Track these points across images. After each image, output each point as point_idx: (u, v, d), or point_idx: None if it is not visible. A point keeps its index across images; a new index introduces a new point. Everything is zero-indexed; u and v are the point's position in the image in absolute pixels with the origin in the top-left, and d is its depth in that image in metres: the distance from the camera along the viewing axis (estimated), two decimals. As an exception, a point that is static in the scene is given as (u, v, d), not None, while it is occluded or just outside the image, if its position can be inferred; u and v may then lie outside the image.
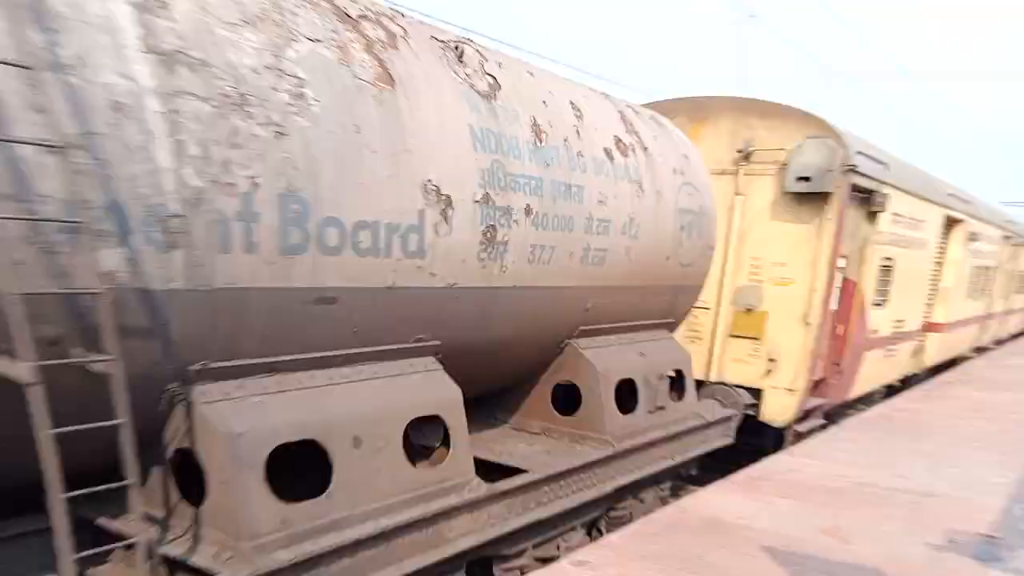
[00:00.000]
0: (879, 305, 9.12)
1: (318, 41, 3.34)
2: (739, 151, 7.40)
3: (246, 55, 3.03)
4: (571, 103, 5.02)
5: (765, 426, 7.69)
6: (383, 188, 3.54)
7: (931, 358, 11.98)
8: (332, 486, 3.32)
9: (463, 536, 3.93)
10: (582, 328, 5.25)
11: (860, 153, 7.49)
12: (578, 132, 4.92)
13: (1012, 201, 24.15)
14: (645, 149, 5.52)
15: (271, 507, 3.07)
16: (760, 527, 5.09)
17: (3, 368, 2.36)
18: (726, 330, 7.74)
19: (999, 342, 17.31)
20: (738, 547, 4.75)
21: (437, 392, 3.97)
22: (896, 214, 8.71)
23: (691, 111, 7.55)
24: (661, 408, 5.77)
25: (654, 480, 5.92)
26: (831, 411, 8.79)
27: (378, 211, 3.53)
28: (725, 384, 7.69)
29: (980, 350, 15.59)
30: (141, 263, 2.71)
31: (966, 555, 4.63)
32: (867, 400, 10.11)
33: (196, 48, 2.87)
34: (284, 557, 3.06)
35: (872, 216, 8.09)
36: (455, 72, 4.09)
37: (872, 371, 9.54)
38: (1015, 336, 19.66)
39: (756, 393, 7.67)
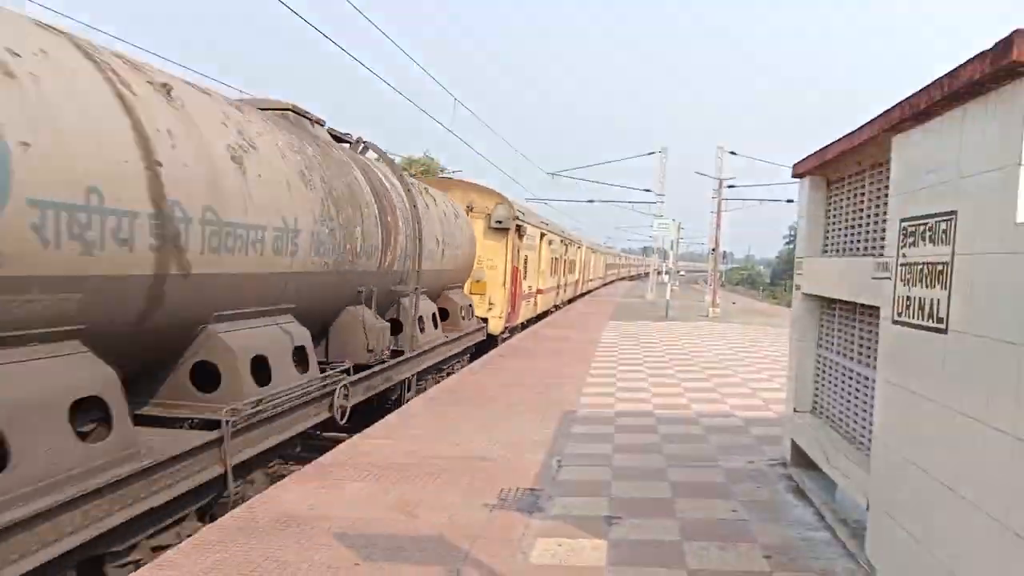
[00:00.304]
0: (525, 279, 17.66)
1: None
2: (467, 206, 14.76)
3: None
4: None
5: (492, 337, 15.35)
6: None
7: (539, 307, 21.05)
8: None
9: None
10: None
11: (519, 210, 16.47)
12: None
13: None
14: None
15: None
16: (335, 515, 4.85)
17: None
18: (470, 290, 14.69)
19: (569, 301, 29.37)
20: (311, 539, 4.43)
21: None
22: (528, 236, 17.66)
23: (441, 185, 14.62)
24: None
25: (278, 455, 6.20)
26: (512, 328, 17.03)
27: None
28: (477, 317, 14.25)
29: (558, 307, 25.91)
30: None
31: (514, 510, 5.06)
32: (517, 329, 17.99)
33: None
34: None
35: (521, 237, 16.42)
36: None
37: (524, 311, 18.22)
38: (571, 300, 30.54)
39: (486, 321, 14.82)
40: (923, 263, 3.31)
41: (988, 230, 2.77)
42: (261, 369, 5.83)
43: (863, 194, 4.83)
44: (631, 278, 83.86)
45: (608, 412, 8.42)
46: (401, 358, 9.06)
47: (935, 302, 3.17)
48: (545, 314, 22.13)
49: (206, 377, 5.40)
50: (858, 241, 4.88)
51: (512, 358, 13.12)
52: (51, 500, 3.60)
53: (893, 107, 3.63)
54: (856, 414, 4.81)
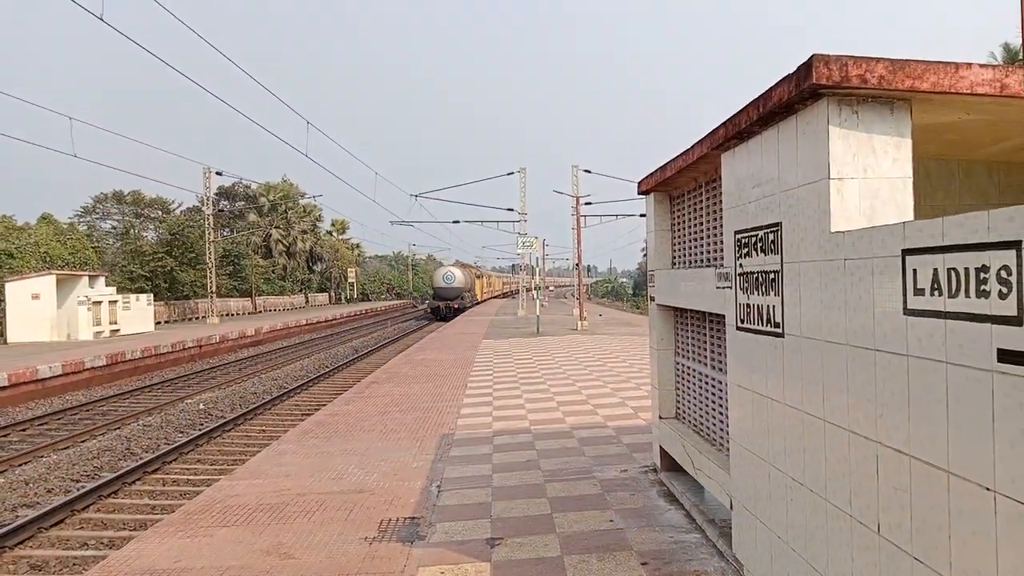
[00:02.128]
0: (483, 288, 55.56)
1: None
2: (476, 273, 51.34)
3: None
4: None
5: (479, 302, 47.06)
6: None
7: (485, 295, 52.58)
8: None
9: None
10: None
11: (478, 270, 58.36)
12: None
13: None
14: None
15: None
16: (204, 566, 4.45)
17: None
18: None
19: (491, 296, 59.51)
20: (170, 606, 3.99)
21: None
22: (484, 277, 55.54)
23: (467, 268, 51.89)
24: None
25: None
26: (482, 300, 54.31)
27: None
28: None
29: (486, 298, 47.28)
30: None
31: (394, 540, 4.86)
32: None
33: None
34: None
35: (480, 278, 51.07)
36: None
37: (485, 295, 61.68)
38: (491, 296, 57.20)
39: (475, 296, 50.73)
40: (758, 272, 3.49)
41: (808, 239, 2.96)
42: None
43: (702, 208, 5.07)
44: (503, 296, 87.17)
45: (486, 432, 8.37)
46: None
47: (771, 308, 3.34)
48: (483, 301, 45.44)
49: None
50: (702, 253, 5.12)
51: (387, 384, 12.80)
52: None
53: (719, 127, 3.82)
54: (715, 418, 5.01)
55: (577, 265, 31.95)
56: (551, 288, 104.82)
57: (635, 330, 24.92)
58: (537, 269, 29.63)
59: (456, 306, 46.86)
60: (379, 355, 24.24)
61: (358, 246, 77.08)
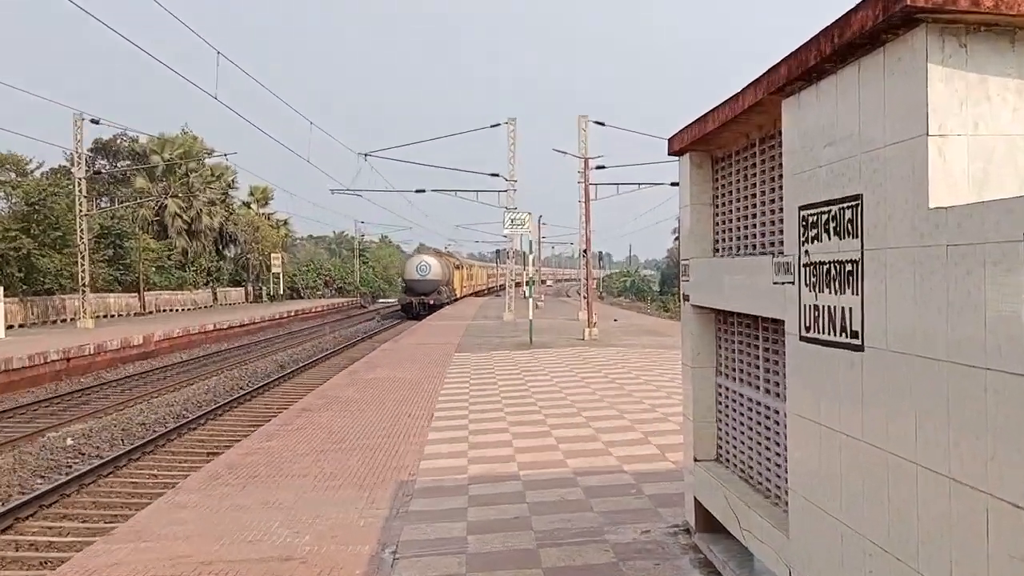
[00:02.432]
0: (463, 281, 72.05)
1: None
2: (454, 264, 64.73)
3: None
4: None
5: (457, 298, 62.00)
6: None
7: (465, 291, 70.52)
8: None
9: None
10: None
11: (457, 260, 73.08)
12: None
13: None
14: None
15: None
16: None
17: None
18: None
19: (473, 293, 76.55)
20: None
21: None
22: (465, 268, 74.04)
23: (448, 257, 66.16)
24: None
25: None
26: (461, 297, 69.59)
27: None
28: None
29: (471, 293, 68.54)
30: None
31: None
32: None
33: None
34: None
35: (459, 268, 68.16)
36: None
37: (465, 291, 73.70)
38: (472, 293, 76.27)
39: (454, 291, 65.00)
40: (830, 262, 3.50)
41: (897, 218, 2.96)
42: None
43: (755, 174, 5.08)
44: (488, 291, 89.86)
45: (459, 478, 8.40)
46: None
47: (847, 311, 3.35)
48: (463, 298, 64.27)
49: None
50: (754, 236, 5.13)
51: (325, 412, 12.79)
52: None
53: (779, 63, 3.82)
54: (769, 460, 5.02)
55: (585, 252, 32.02)
56: (548, 283, 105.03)
57: (663, 341, 25.05)
58: (531, 256, 29.46)
59: (431, 302, 50.94)
60: (314, 373, 24.21)
61: (286, 223, 76.96)
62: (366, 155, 34.90)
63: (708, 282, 5.70)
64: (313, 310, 56.29)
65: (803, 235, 3.76)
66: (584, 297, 32.58)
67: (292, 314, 50.73)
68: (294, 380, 22.76)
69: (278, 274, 68.69)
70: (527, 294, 28.60)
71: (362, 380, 17.07)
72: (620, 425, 11.20)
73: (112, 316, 43.81)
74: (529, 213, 27.94)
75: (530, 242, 28.94)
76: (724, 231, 5.74)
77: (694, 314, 6.06)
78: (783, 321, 4.15)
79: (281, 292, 69.10)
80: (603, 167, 33.59)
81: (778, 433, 4.80)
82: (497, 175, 36.30)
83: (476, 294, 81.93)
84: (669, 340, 24.77)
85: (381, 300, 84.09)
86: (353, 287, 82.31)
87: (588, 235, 30.28)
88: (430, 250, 61.16)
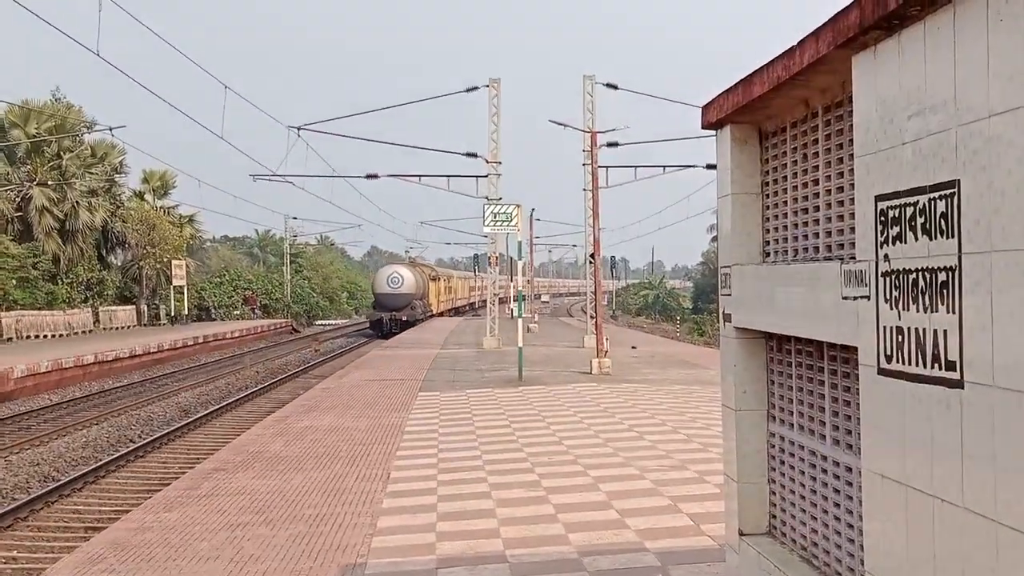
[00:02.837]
0: (440, 294, 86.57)
1: None
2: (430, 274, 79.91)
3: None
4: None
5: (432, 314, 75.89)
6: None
7: (444, 305, 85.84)
8: None
9: None
10: None
11: (432, 269, 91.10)
12: None
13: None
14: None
15: None
16: None
17: None
18: None
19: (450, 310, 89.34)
20: None
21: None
22: (442, 279, 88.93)
23: (423, 267, 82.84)
24: None
25: None
26: (439, 312, 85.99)
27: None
28: None
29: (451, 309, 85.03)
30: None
31: None
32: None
33: None
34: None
35: (435, 280, 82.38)
36: None
37: (443, 307, 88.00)
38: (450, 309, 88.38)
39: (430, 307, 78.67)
40: (917, 270, 3.49)
41: (1008, 212, 2.96)
42: None
43: (817, 153, 5.09)
44: (469, 307, 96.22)
45: (424, 561, 8.40)
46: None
47: (940, 335, 3.35)
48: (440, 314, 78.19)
49: None
50: (816, 235, 5.13)
51: (244, 472, 12.74)
52: None
53: (849, 5, 3.82)
54: (839, 533, 5.01)
55: (592, 257, 32.06)
56: (544, 298, 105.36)
57: (698, 375, 25.08)
58: (520, 263, 29.38)
59: (404, 318, 60.33)
60: (230, 420, 24.09)
61: (192, 220, 76.68)
62: (299, 129, 34.94)
63: (756, 297, 5.70)
64: (229, 335, 56.08)
65: (881, 234, 3.76)
66: (592, 316, 32.64)
67: (200, 341, 50.48)
68: (203, 430, 22.64)
69: (181, 288, 68.38)
70: (515, 313, 28.61)
71: (294, 430, 16.99)
72: (640, 488, 11.19)
73: (-43, 345, 43.54)
74: (518, 206, 27.95)
75: (519, 244, 28.94)
76: (777, 229, 5.74)
77: (738, 339, 6.05)
78: (855, 348, 4.15)
79: (186, 312, 68.78)
80: (616, 144, 33.75)
81: (850, 498, 4.80)
82: (475, 156, 36.42)
83: (456, 310, 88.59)
84: (706, 374, 24.82)
85: (321, 322, 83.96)
86: (283, 305, 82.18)
87: (596, 234, 30.31)
88: (403, 260, 72.48)
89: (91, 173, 61.21)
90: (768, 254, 5.87)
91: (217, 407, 25.98)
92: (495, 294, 42.25)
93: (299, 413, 19.54)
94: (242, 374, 36.92)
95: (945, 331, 3.33)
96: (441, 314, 79.00)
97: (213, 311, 74.58)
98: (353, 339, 60.52)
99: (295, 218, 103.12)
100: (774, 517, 5.97)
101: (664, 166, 38.02)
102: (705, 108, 6.20)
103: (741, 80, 5.51)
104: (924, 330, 3.47)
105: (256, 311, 78.82)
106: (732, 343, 6.13)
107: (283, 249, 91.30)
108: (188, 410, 26.23)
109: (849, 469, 4.79)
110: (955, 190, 3.25)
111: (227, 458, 14.31)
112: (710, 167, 31.54)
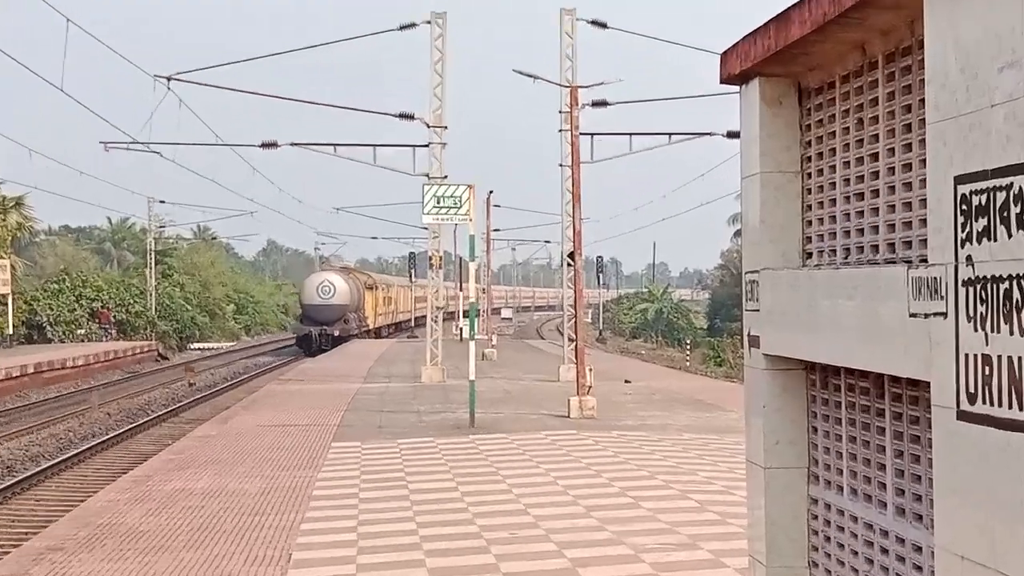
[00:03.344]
0: (378, 306, 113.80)
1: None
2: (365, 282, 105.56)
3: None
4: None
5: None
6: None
7: (389, 318, 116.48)
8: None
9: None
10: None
11: (368, 276, 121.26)
12: None
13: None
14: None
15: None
16: None
17: None
18: None
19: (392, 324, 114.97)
20: None
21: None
22: (380, 288, 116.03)
23: (359, 275, 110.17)
24: None
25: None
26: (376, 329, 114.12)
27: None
28: None
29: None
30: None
31: None
32: None
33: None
34: None
35: (372, 290, 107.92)
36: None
37: (382, 320, 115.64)
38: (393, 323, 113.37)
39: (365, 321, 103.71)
40: (1011, 277, 3.51)
41: None
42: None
43: (875, 118, 5.12)
44: (404, 324, 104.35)
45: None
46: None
47: (1042, 366, 3.37)
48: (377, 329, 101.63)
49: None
50: (874, 229, 5.15)
51: (87, 553, 12.74)
52: None
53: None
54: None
55: (572, 257, 32.04)
56: (506, 313, 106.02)
57: (713, 421, 25.19)
58: (472, 265, 29.11)
59: (336, 333, 69.09)
60: (70, 480, 23.95)
61: (19, 204, 76.26)
62: (168, 79, 34.80)
63: (793, 313, 5.71)
64: (70, 364, 55.75)
65: (963, 229, 3.78)
66: (571, 339, 32.75)
67: (30, 371, 50.19)
68: (33, 494, 22.51)
69: (4, 297, 67.96)
70: (465, 333, 28.55)
71: (159, 493, 16.92)
72: (635, 574, 11.20)
73: None
74: (470, 187, 27.95)
75: (471, 239, 28.89)
76: (822, 221, 5.76)
77: (768, 371, 6.07)
78: (927, 384, 4.17)
79: (9, 331, 68.34)
80: (605, 103, 33.80)
81: (923, 587, 4.82)
82: (411, 118, 36.42)
83: (397, 326, 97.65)
84: (726, 418, 24.92)
85: (198, 345, 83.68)
86: (146, 322, 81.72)
87: (577, 225, 30.28)
88: (336, 267, 76.46)
89: None
90: (810, 255, 5.89)
91: (52, 462, 25.86)
92: (438, 307, 42.20)
93: (167, 471, 19.45)
94: (88, 417, 36.76)
95: (1048, 361, 3.36)
96: (379, 330, 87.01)
97: (49, 329, 74.08)
98: (240, 367, 60.52)
99: (162, 202, 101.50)
100: (817, 613, 6.00)
101: (670, 133, 38.19)
102: (725, 56, 6.22)
103: (774, 17, 5.52)
104: (1021, 359, 3.48)
105: (108, 330, 78.40)
106: (760, 376, 6.15)
107: (146, 245, 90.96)
108: (11, 467, 26.06)
109: (919, 548, 4.82)
110: (1062, 169, 3.29)
111: (66, 533, 14.19)
112: (731, 136, 31.81)
